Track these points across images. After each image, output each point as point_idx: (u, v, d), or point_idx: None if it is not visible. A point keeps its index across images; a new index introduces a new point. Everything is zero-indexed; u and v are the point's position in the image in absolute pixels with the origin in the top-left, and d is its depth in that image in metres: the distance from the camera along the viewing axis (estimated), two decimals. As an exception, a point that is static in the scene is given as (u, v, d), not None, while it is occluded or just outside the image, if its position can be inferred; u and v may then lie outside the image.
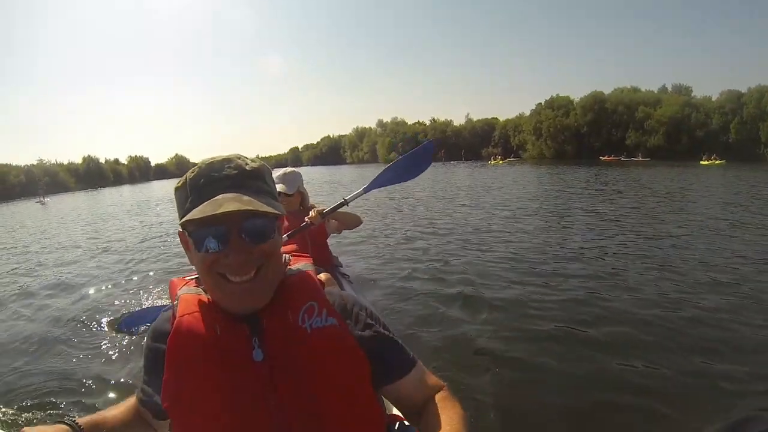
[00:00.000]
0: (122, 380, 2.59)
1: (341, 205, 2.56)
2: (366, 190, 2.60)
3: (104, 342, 3.16)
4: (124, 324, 2.63)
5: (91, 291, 4.69)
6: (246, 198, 0.69)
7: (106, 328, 3.42)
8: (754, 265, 4.47)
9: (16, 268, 6.76)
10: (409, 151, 2.76)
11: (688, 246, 5.34)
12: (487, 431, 1.95)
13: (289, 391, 0.73)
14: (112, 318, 3.57)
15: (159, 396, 0.77)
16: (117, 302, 4.11)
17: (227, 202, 0.68)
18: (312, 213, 2.48)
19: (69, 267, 6.41)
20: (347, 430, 0.75)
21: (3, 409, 2.35)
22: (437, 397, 0.86)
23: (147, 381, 0.83)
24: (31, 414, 2.30)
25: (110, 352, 2.98)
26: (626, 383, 2.30)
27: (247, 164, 0.74)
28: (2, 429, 2.18)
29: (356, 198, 2.61)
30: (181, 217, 0.73)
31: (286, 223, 2.53)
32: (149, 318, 2.49)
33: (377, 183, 2.64)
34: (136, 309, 3.39)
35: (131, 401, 0.90)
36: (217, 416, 0.71)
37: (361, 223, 2.86)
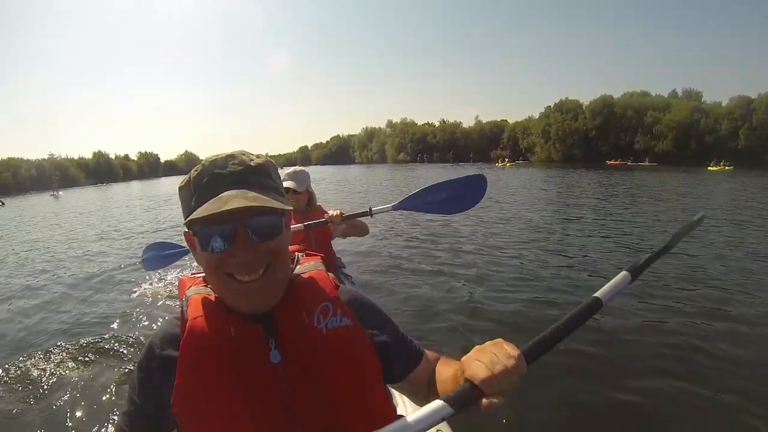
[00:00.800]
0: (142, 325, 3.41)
1: (365, 214, 2.52)
2: (395, 208, 2.47)
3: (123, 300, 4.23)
4: (147, 263, 2.79)
5: (111, 267, 5.75)
6: (251, 194, 0.67)
7: (125, 292, 4.42)
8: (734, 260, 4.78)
9: (46, 251, 7.71)
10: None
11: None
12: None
13: (307, 392, 0.72)
14: (133, 276, 4.61)
15: (158, 408, 0.73)
16: (139, 273, 5.00)
17: (232, 199, 0.65)
18: (335, 213, 2.49)
19: (91, 249, 7.18)
20: (364, 430, 0.75)
21: (43, 350, 3.01)
22: (438, 363, 0.88)
23: (144, 396, 0.76)
24: (74, 352, 2.97)
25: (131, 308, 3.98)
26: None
27: (251, 160, 0.72)
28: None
29: (382, 212, 2.53)
30: (186, 216, 0.70)
31: (292, 221, 2.65)
32: (167, 252, 2.61)
33: (407, 204, 2.45)
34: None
35: None
36: (234, 419, 0.70)
37: (368, 232, 2.84)
